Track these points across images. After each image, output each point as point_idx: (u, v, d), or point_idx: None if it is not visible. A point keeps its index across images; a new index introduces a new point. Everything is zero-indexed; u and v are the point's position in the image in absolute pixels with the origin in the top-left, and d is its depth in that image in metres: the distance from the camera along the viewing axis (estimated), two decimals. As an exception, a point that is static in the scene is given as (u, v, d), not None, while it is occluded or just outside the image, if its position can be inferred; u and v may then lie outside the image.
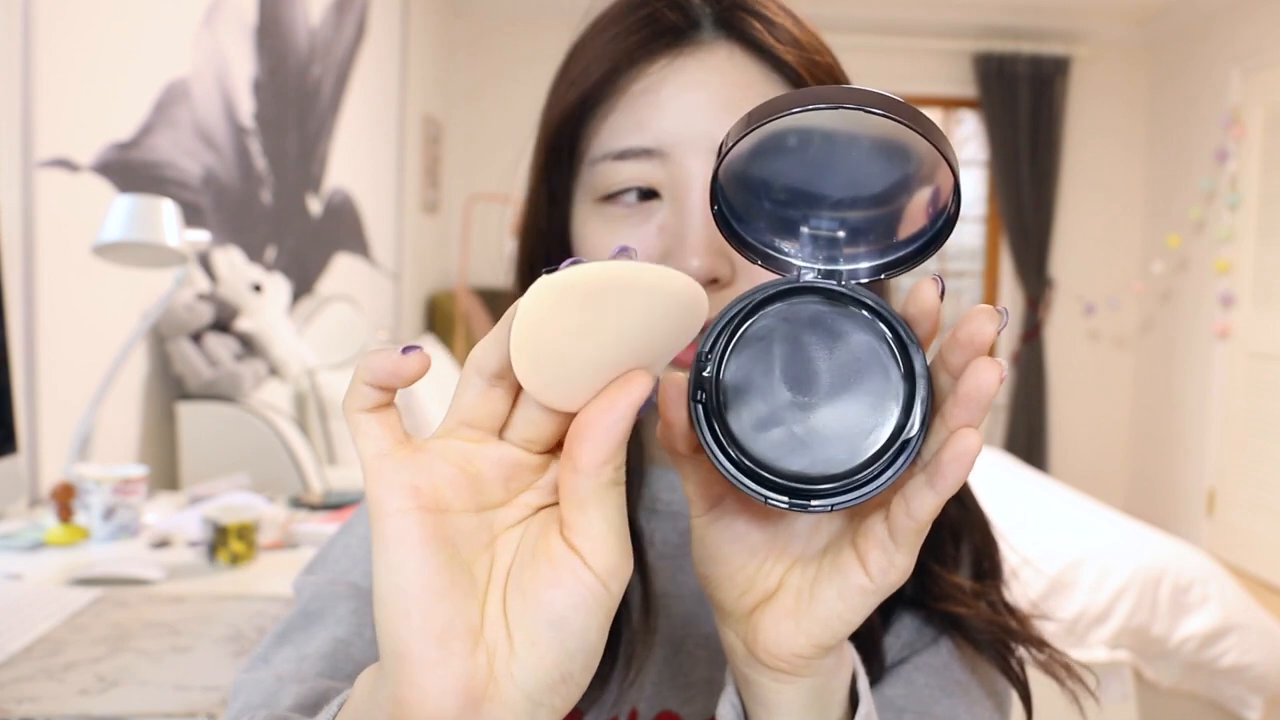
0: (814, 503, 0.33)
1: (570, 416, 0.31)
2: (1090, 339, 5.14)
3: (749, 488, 0.33)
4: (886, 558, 0.33)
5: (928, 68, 5.00)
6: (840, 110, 0.31)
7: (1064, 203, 5.04)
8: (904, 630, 0.55)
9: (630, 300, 0.28)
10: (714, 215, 0.36)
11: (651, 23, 0.52)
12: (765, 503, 0.33)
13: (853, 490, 0.33)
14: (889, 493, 0.33)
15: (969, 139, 5.25)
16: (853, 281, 0.34)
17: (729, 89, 0.51)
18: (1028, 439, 4.98)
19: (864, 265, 0.36)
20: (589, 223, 0.54)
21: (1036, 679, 0.53)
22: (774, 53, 0.52)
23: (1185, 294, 4.70)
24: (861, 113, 0.31)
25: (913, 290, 0.33)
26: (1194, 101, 4.64)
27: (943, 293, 0.33)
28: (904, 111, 0.31)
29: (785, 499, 0.33)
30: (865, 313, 0.34)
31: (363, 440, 0.30)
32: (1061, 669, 0.52)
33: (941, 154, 0.31)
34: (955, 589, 0.53)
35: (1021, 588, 0.59)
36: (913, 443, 0.32)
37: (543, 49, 0.58)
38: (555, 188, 0.56)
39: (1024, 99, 4.88)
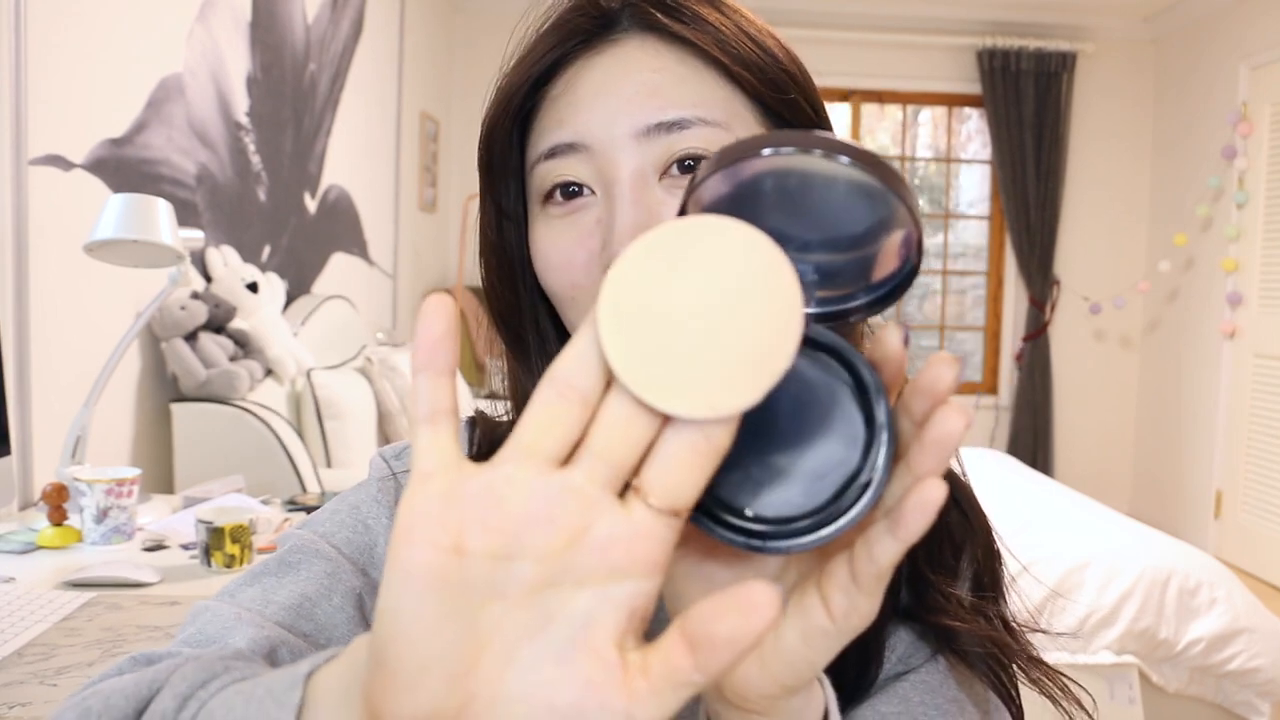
0: (770, 543, 0.33)
1: (654, 423, 0.29)
2: (1096, 339, 5.12)
3: (707, 526, 0.34)
4: (849, 601, 0.33)
5: (931, 64, 4.98)
6: (810, 155, 0.32)
7: (1069, 201, 5.01)
8: (899, 644, 0.55)
9: (721, 248, 0.29)
10: None
11: (564, 28, 0.55)
12: (723, 541, 0.34)
13: (811, 532, 0.33)
14: (854, 535, 0.33)
15: (973, 136, 5.23)
16: (817, 325, 0.35)
17: (643, 74, 0.53)
18: (1032, 440, 4.96)
19: (830, 309, 0.37)
20: (536, 226, 0.56)
21: (1035, 696, 0.53)
22: (684, 36, 0.53)
23: (1192, 293, 4.67)
24: (830, 160, 0.31)
25: (877, 336, 0.34)
26: (1201, 98, 4.61)
27: (906, 340, 0.34)
28: (870, 161, 0.32)
29: (742, 538, 0.33)
30: (829, 356, 0.34)
31: (413, 455, 0.30)
32: (1057, 688, 0.53)
33: (905, 205, 0.32)
34: (953, 602, 0.53)
35: (1020, 597, 0.59)
36: (872, 485, 0.32)
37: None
38: (499, 200, 0.59)
39: (1029, 96, 4.86)
